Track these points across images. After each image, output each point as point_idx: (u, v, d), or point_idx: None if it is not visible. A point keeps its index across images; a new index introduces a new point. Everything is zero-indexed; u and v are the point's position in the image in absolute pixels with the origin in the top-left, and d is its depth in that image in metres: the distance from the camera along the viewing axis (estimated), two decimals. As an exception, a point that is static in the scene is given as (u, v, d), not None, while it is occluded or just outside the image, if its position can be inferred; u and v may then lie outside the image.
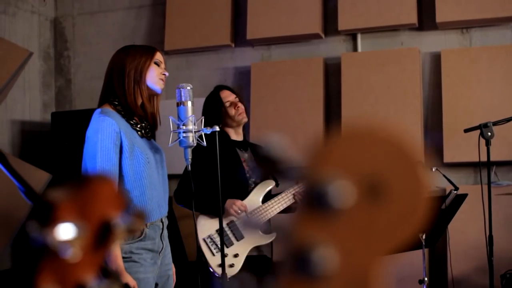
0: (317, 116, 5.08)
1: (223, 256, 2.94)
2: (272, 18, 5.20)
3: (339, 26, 5.05)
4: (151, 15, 5.72)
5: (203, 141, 2.76)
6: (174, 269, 2.93)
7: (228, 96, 3.69)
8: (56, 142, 5.38)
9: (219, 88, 3.75)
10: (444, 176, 3.72)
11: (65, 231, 0.55)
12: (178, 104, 2.75)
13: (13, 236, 4.61)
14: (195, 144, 2.72)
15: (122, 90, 2.69)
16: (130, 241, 2.62)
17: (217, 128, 2.85)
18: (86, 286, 0.55)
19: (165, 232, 2.82)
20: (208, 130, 2.80)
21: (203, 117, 2.93)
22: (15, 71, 4.75)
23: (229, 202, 3.51)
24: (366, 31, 5.10)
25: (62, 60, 5.96)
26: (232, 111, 3.64)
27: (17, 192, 4.01)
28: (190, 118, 2.72)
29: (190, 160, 2.74)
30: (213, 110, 3.62)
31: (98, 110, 2.70)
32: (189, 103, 2.75)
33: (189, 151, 2.73)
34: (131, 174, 2.62)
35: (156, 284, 2.77)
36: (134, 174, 2.63)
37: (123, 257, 2.58)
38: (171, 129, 2.75)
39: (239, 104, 3.66)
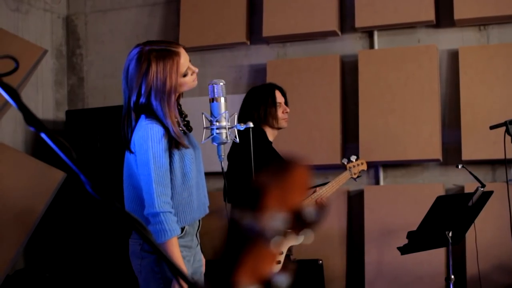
0: (334, 114, 5.05)
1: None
2: (288, 15, 5.17)
3: (356, 23, 5.03)
4: (164, 12, 5.68)
5: (236, 138, 2.73)
6: (204, 262, 2.92)
7: (279, 98, 3.76)
8: (70, 140, 5.34)
9: (274, 87, 3.76)
10: (471, 173, 3.70)
11: (274, 219, 0.51)
12: (211, 100, 2.71)
13: (28, 236, 4.57)
14: (228, 141, 2.69)
15: (162, 113, 2.60)
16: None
17: (251, 124, 2.81)
18: (271, 278, 0.52)
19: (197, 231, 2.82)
20: (242, 127, 2.76)
21: (235, 113, 2.89)
22: (30, 68, 4.72)
23: None
24: (383, 28, 5.07)
25: (74, 58, 5.92)
26: (280, 113, 3.72)
27: (32, 193, 3.99)
28: (223, 114, 2.69)
29: (223, 157, 2.71)
30: (260, 106, 3.63)
31: (144, 115, 2.64)
32: (222, 99, 2.71)
33: (222, 147, 2.70)
34: (180, 177, 2.63)
35: None
36: (183, 176, 2.64)
37: None
38: (204, 126, 2.72)
39: (288, 109, 3.70)
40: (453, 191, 4.83)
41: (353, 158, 3.99)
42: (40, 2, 5.65)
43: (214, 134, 2.68)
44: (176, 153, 2.61)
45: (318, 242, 5.01)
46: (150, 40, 2.74)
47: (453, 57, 4.90)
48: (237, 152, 3.46)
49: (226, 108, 2.71)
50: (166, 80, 2.59)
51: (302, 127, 5.02)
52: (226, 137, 2.68)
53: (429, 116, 4.84)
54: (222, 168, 2.71)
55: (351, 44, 5.16)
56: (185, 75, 2.66)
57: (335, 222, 4.92)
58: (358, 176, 3.99)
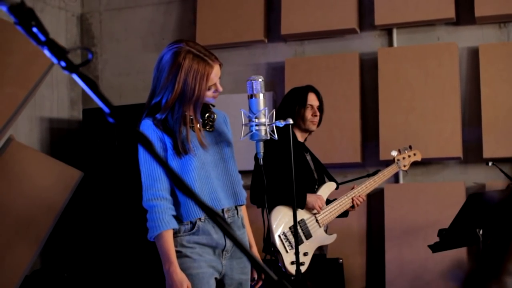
0: (353, 112, 5.02)
1: (297, 252, 2.88)
2: (306, 12, 5.14)
3: (376, 21, 5.00)
4: (180, 10, 5.64)
5: (275, 135, 2.69)
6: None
7: (312, 100, 3.72)
8: (87, 139, 5.30)
9: (309, 89, 3.72)
10: (501, 170, 3.68)
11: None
12: (249, 97, 2.67)
13: (46, 236, 4.53)
14: (268, 137, 2.65)
15: (176, 116, 2.55)
16: (181, 233, 2.55)
17: (290, 121, 2.78)
18: None
19: (236, 231, 2.65)
20: (281, 123, 2.72)
21: (274, 110, 2.86)
22: (48, 67, 4.68)
23: (314, 196, 3.49)
24: (402, 26, 5.04)
25: (89, 57, 5.87)
26: (308, 115, 3.66)
27: (49, 193, 3.90)
28: (263, 111, 2.65)
29: (262, 154, 2.67)
30: (292, 106, 3.61)
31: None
32: (261, 96, 2.66)
33: (261, 144, 2.66)
34: (177, 170, 2.54)
35: (223, 284, 2.65)
36: (181, 168, 2.55)
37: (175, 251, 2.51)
38: (243, 122, 2.67)
39: (318, 113, 3.65)
40: (474, 190, 4.80)
41: (404, 149, 3.89)
42: (55, 0, 5.60)
43: (253, 131, 2.64)
44: (170, 147, 2.55)
45: (338, 241, 4.98)
46: (195, 42, 2.69)
47: (473, 54, 4.88)
48: (267, 149, 3.41)
49: (265, 105, 2.67)
50: (196, 86, 2.53)
51: (322, 126, 4.94)
52: (266, 133, 2.64)
53: (449, 114, 4.81)
54: (261, 166, 2.67)
55: (370, 42, 5.13)
56: (208, 89, 2.60)
57: (355, 220, 4.89)
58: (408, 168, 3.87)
